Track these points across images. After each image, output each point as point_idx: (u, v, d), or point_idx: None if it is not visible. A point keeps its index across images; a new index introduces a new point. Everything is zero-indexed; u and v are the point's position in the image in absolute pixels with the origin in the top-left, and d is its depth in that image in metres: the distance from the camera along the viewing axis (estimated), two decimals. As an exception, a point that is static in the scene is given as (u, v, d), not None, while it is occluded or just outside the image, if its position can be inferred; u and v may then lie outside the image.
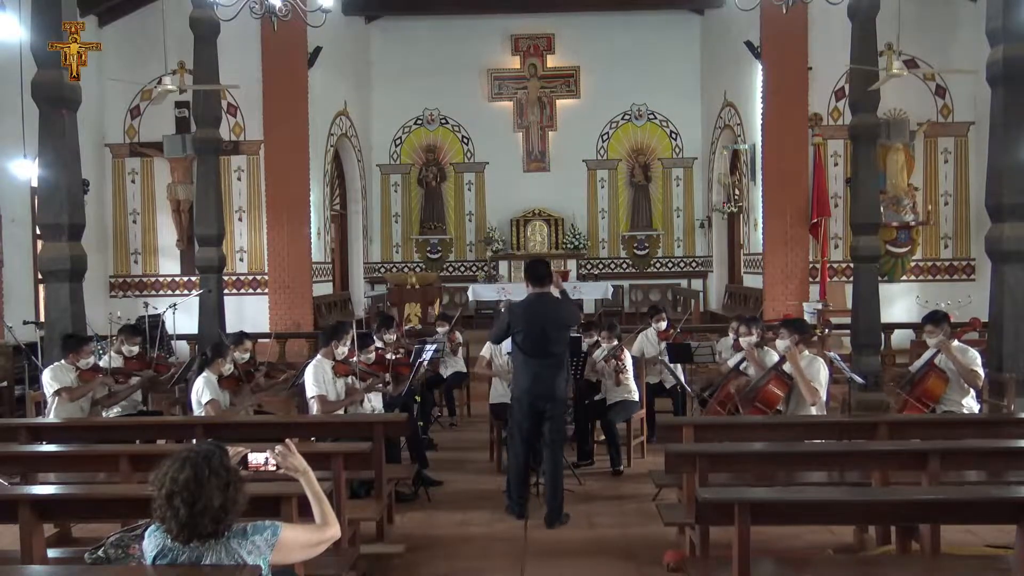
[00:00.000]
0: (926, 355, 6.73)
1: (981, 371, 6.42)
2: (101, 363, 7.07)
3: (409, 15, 16.20)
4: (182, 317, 10.56)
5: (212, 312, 10.62)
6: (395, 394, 7.14)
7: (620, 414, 7.55)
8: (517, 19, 16.39)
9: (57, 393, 6.56)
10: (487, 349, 7.84)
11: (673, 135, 16.93)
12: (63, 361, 6.76)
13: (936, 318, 6.63)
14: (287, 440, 3.21)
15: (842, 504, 3.99)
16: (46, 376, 6.69)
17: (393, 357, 7.26)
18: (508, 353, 6.78)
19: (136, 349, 7.33)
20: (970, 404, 6.47)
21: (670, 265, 17.06)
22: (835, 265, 12.65)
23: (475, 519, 6.17)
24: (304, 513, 3.42)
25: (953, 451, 4.74)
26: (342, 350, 6.66)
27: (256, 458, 3.17)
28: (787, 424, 5.85)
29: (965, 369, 6.33)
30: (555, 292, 6.25)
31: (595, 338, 7.94)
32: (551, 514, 6.02)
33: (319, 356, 6.67)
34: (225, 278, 11.67)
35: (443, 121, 17.03)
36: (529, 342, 6.11)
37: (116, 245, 13.30)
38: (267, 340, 10.81)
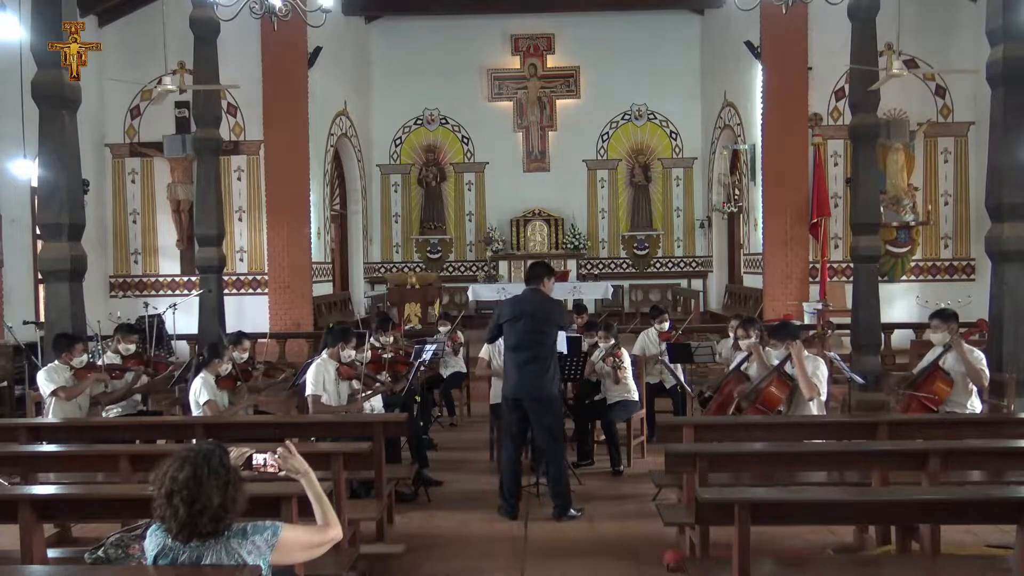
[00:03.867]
0: (930, 356, 6.67)
1: (987, 371, 6.39)
2: (99, 363, 7.05)
3: (409, 15, 16.20)
4: (182, 317, 10.57)
5: (212, 312, 10.62)
6: (395, 392, 7.13)
7: (620, 414, 7.56)
8: (517, 19, 16.40)
9: (54, 393, 6.54)
10: (486, 350, 7.84)
11: (673, 135, 16.94)
12: (56, 362, 6.73)
13: (945, 315, 6.55)
14: (287, 441, 3.20)
15: (842, 504, 3.98)
16: (41, 378, 6.65)
17: (390, 355, 7.25)
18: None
19: (132, 348, 7.32)
20: (974, 405, 6.41)
21: (670, 265, 17.06)
22: (835, 265, 12.65)
23: (475, 519, 6.17)
24: (305, 513, 3.42)
25: (953, 451, 4.73)
26: (349, 352, 6.63)
27: (256, 459, 3.17)
28: (787, 424, 5.84)
29: (973, 369, 6.25)
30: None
31: (595, 338, 7.94)
32: (557, 508, 6.13)
33: (324, 356, 6.64)
34: (225, 278, 11.68)
35: (443, 121, 17.04)
36: (513, 333, 6.17)
37: (116, 245, 13.31)
38: (266, 340, 10.81)
